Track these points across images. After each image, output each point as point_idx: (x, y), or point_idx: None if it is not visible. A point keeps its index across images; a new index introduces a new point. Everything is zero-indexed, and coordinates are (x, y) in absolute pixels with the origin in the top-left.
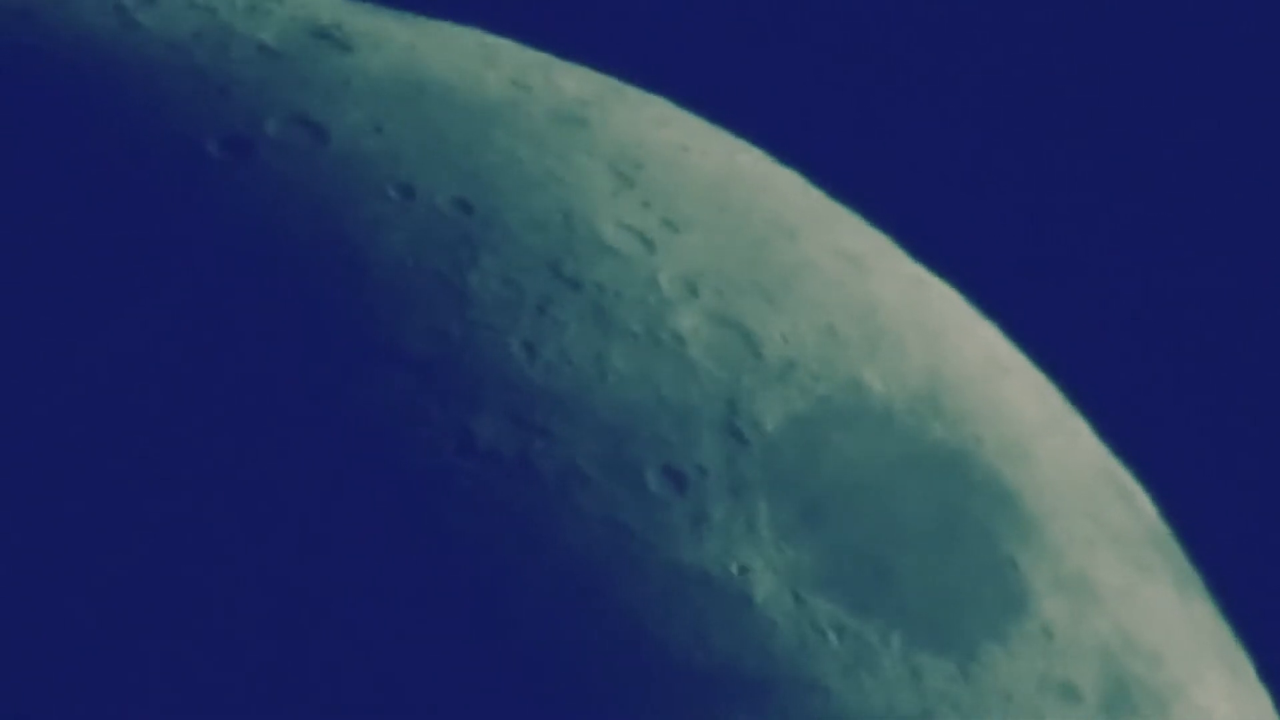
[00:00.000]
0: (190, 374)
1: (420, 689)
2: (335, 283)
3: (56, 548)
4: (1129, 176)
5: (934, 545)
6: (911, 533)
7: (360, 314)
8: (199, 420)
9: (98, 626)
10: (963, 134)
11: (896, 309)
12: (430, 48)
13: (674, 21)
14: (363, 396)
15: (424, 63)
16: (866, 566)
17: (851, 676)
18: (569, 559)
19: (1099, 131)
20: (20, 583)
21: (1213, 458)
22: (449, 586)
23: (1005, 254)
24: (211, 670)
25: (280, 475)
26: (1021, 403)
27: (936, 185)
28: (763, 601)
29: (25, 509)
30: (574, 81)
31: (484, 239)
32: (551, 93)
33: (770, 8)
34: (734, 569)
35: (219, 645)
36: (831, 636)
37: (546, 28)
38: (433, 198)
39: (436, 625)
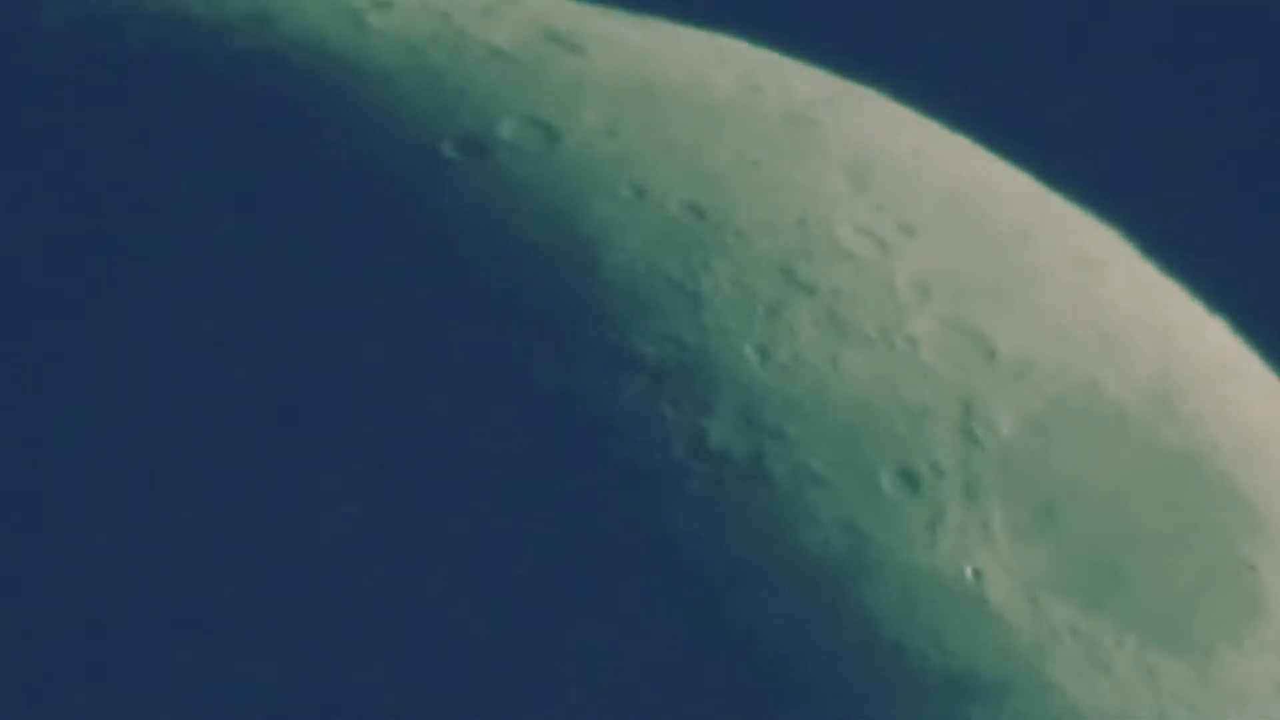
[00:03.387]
0: (426, 376)
1: (654, 693)
2: (568, 284)
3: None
4: None
5: (1169, 547)
6: (1146, 535)
7: (593, 316)
8: (433, 421)
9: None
10: (1196, 137)
11: (1130, 311)
12: (662, 49)
13: (910, 24)
14: (595, 399)
15: (655, 65)
16: (1101, 568)
17: (1086, 678)
18: (802, 561)
19: None
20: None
21: None
22: (681, 590)
23: (1238, 256)
24: (435, 669)
25: (513, 479)
26: (1255, 406)
27: (1167, 187)
28: (998, 604)
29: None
30: (806, 83)
31: (716, 242)
32: (783, 94)
33: (1009, 15)
34: (969, 571)
35: (452, 643)
36: (1067, 638)
37: (779, 28)
38: (665, 200)
39: (668, 629)
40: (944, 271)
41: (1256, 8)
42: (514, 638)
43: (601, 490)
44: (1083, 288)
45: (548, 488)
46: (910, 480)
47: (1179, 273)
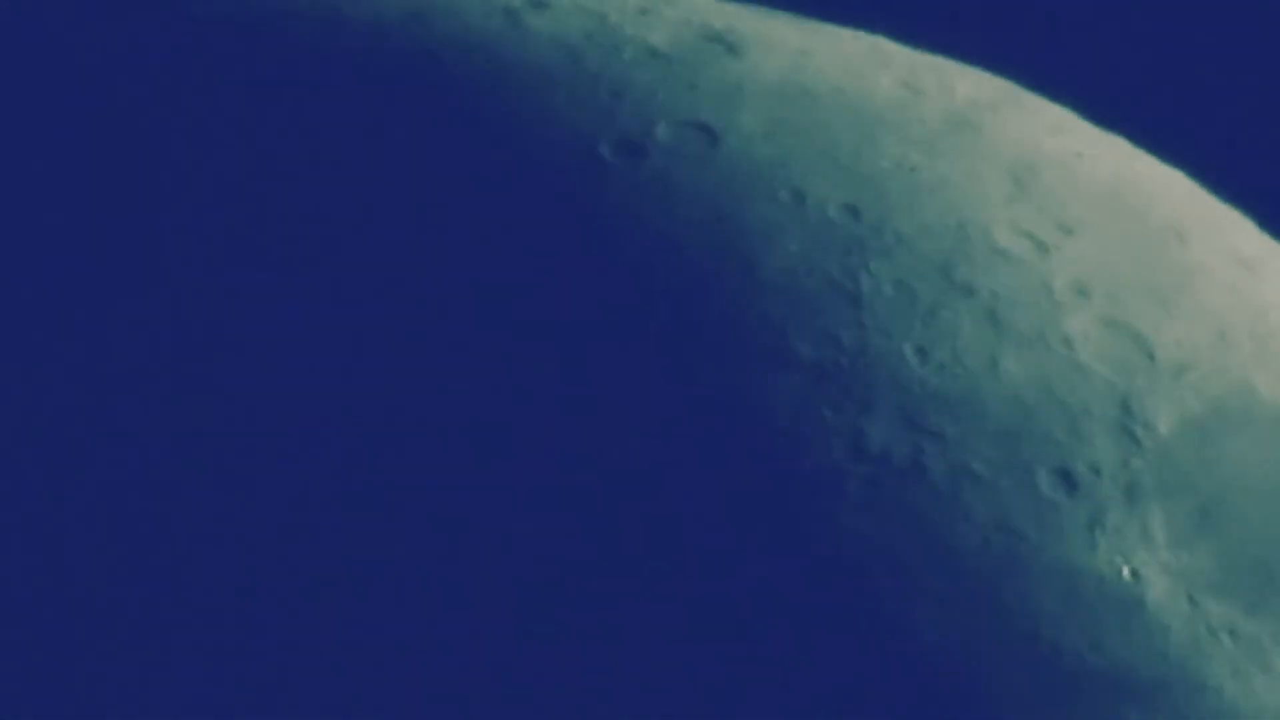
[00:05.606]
0: (585, 378)
1: (813, 691)
2: (727, 286)
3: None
4: None
5: None
6: None
7: (752, 318)
8: (590, 422)
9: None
10: None
11: None
12: (821, 51)
13: (1070, 24)
14: (755, 400)
15: (815, 67)
16: (1260, 569)
17: (1244, 678)
18: (960, 561)
19: None
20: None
21: None
22: (840, 590)
23: None
24: (608, 662)
25: (672, 481)
26: None
27: None
28: (1156, 604)
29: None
30: (967, 85)
31: (876, 244)
32: (944, 97)
33: (1165, 14)
34: (1126, 572)
35: (621, 639)
36: (1225, 638)
37: (939, 30)
38: (824, 203)
39: (827, 628)
40: (1103, 272)
41: None
42: (671, 636)
43: (761, 491)
44: (1241, 288)
45: (707, 490)
46: (1068, 481)
47: None
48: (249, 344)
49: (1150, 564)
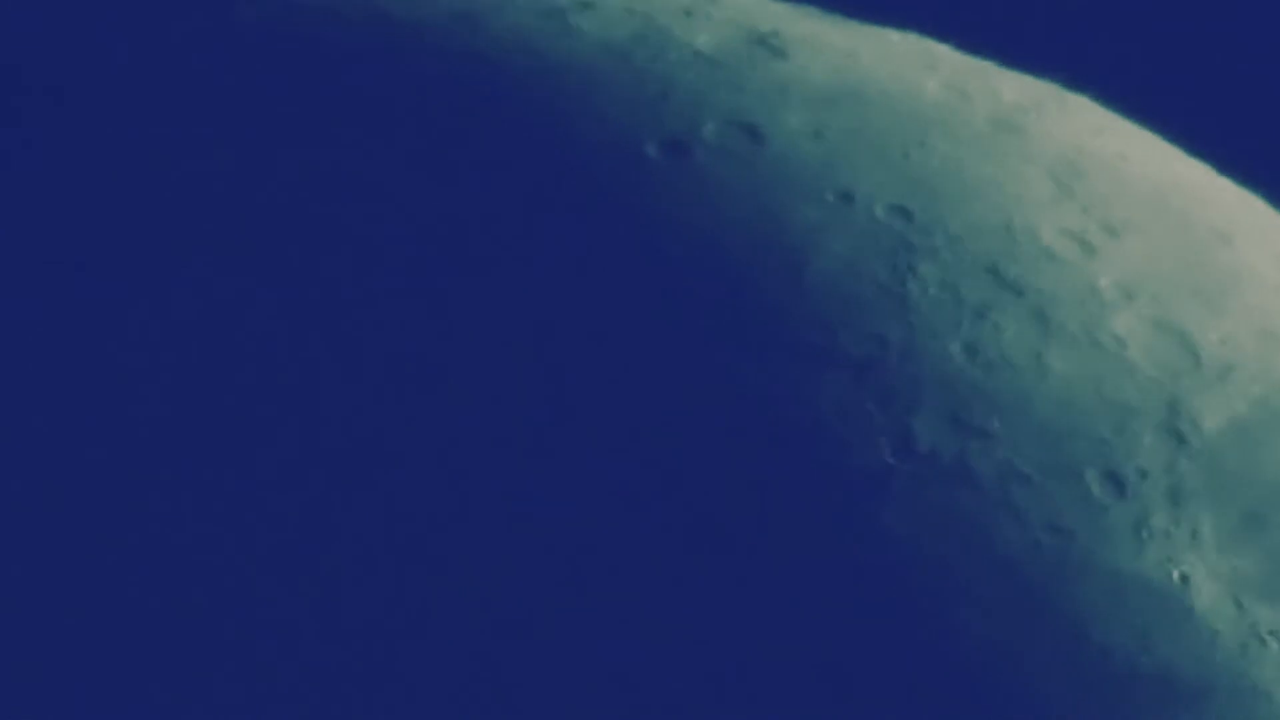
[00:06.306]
0: (634, 375)
1: (864, 691)
2: (775, 285)
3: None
4: None
5: None
6: None
7: (800, 317)
8: (640, 420)
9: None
10: None
11: None
12: (868, 53)
13: (1115, 28)
14: (803, 398)
15: (862, 68)
16: None
17: None
18: (1009, 561)
19: None
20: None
21: None
22: (887, 589)
23: None
24: (653, 656)
25: (720, 478)
26: None
27: None
28: (1204, 609)
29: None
30: (1013, 88)
31: (923, 245)
32: (991, 99)
33: (1213, 20)
34: (1175, 576)
35: (667, 634)
36: (1272, 643)
37: (983, 33)
38: (871, 203)
39: (874, 627)
40: (1149, 273)
41: None
42: (716, 632)
43: (808, 489)
44: None
45: (754, 487)
46: (1116, 482)
47: None
48: (276, 334)
49: (1198, 567)
